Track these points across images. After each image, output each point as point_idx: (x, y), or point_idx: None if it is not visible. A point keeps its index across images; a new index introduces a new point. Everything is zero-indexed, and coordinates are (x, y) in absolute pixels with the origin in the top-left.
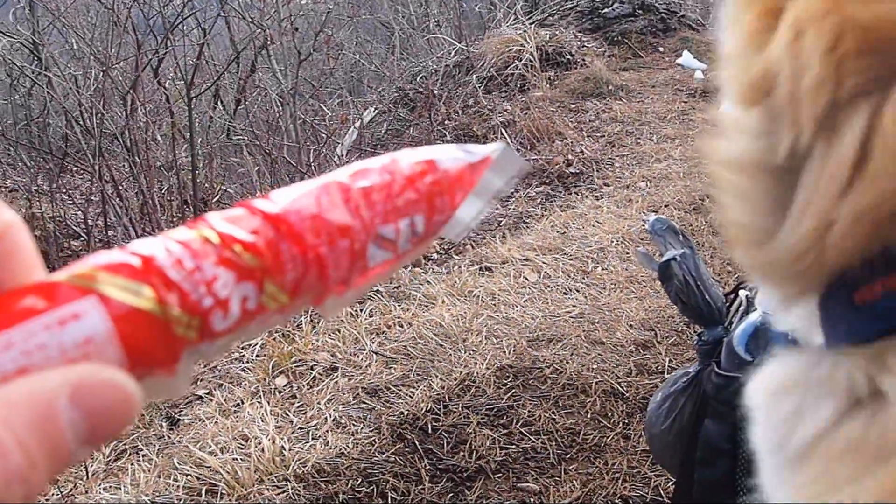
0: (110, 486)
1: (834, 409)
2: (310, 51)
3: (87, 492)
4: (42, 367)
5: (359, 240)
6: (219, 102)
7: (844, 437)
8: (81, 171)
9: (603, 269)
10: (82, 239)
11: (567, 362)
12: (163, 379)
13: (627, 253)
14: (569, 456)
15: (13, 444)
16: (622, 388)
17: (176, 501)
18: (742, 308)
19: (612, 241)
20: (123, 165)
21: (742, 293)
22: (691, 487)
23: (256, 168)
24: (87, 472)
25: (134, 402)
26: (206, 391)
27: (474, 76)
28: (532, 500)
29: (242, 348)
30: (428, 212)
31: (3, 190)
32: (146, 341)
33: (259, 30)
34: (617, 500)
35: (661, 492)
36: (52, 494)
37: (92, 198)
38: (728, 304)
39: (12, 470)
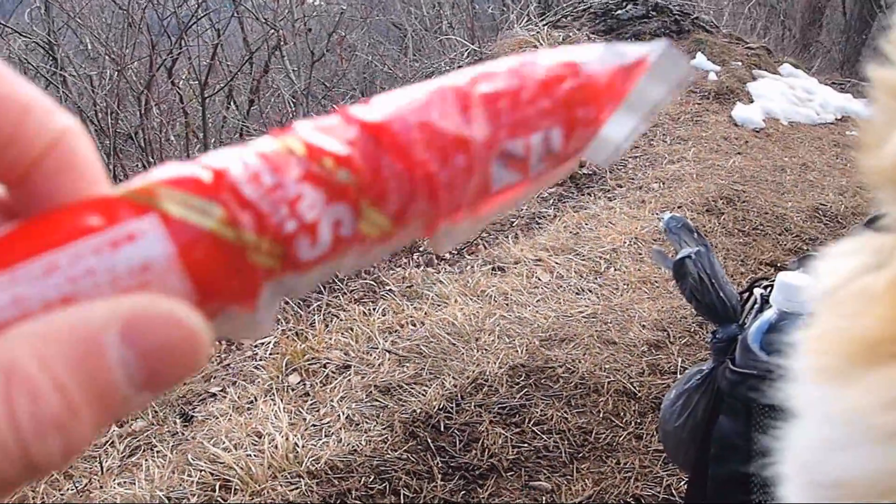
0: (125, 482)
1: (860, 266)
2: (322, 51)
3: (101, 487)
4: (90, 297)
5: (479, 157)
6: (232, 103)
7: (858, 286)
8: None
9: (616, 270)
10: None
11: (579, 362)
12: (241, 316)
13: (640, 254)
14: (581, 455)
15: (49, 386)
16: (634, 387)
17: (190, 496)
18: (756, 306)
19: (625, 242)
20: (137, 165)
21: (757, 291)
22: (705, 485)
23: None
24: (102, 468)
25: (200, 341)
26: (220, 388)
27: None
28: (544, 498)
29: (255, 346)
30: (566, 125)
31: None
32: (216, 270)
33: (272, 30)
34: (629, 500)
35: (674, 491)
36: (67, 489)
37: None
38: (742, 302)
39: (47, 416)
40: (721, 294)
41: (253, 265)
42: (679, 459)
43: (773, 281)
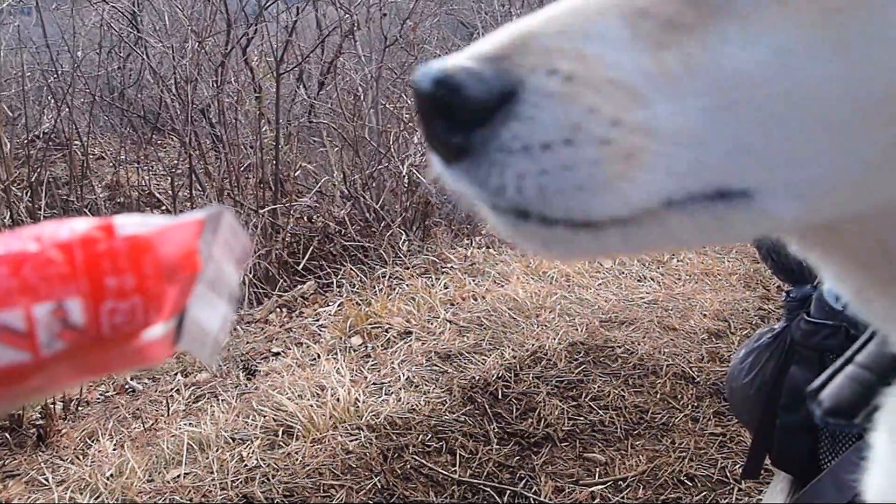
0: (191, 423)
1: None
2: (396, 37)
3: (169, 426)
4: None
5: None
6: (302, 85)
7: None
8: (165, 145)
9: (679, 261)
10: (164, 208)
11: (639, 344)
12: None
13: (704, 248)
14: (636, 432)
15: None
16: (693, 372)
17: (254, 439)
18: None
19: None
20: (206, 141)
21: None
22: (770, 441)
23: (335, 149)
24: (168, 410)
25: None
26: (282, 348)
27: None
28: (598, 469)
29: (320, 309)
30: (91, 294)
31: (91, 157)
32: None
33: (347, 15)
34: (682, 478)
35: (728, 473)
36: (134, 428)
37: (176, 170)
38: None
39: None
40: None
41: None
42: (744, 416)
43: None
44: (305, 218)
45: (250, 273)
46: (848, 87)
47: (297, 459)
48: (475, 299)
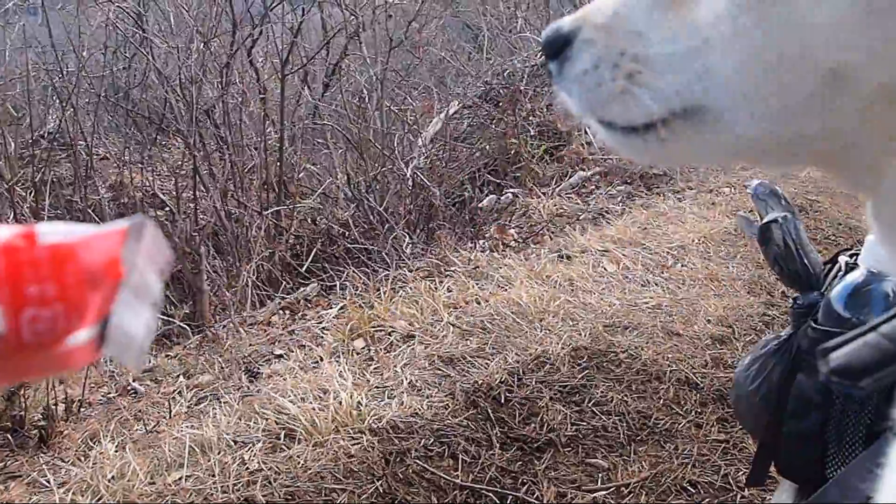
0: (193, 425)
1: None
2: (401, 38)
3: (170, 428)
4: None
5: None
6: (306, 87)
7: None
8: (169, 146)
9: (683, 266)
10: (167, 209)
11: (642, 349)
12: None
13: (709, 252)
14: (639, 438)
15: None
16: (697, 378)
17: (255, 442)
18: (841, 274)
19: (694, 240)
20: (210, 142)
21: (842, 259)
22: (775, 449)
23: (339, 151)
24: (171, 412)
25: None
26: (285, 350)
27: None
28: (600, 475)
29: (322, 312)
30: (12, 301)
31: (95, 157)
32: None
33: (352, 16)
34: (685, 485)
35: (731, 480)
36: (136, 430)
37: (179, 171)
38: (826, 271)
39: None
40: (805, 261)
41: None
42: (749, 424)
43: (859, 250)
44: (309, 220)
45: (253, 275)
46: (771, 35)
47: (298, 463)
48: (478, 303)
